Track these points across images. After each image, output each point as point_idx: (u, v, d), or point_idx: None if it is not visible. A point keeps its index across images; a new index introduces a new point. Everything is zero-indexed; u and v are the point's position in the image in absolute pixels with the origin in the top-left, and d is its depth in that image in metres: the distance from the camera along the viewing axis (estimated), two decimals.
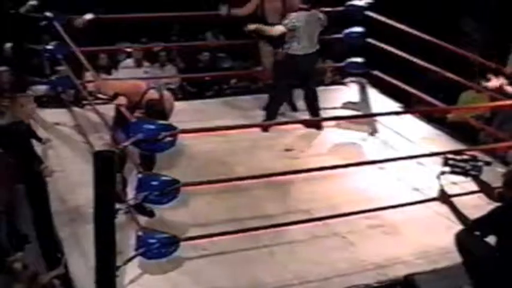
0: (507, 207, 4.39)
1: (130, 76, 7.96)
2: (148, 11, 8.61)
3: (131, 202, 4.77)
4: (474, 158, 4.70)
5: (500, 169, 5.29)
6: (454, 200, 4.60)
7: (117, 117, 5.40)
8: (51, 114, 6.87)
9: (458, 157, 4.71)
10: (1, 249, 5.04)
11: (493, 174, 4.92)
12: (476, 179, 4.67)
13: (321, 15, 6.89)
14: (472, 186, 4.80)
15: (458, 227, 4.60)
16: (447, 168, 4.67)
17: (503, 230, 4.36)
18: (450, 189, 4.92)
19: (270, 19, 6.99)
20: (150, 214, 5.22)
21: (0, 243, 5.10)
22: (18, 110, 5.70)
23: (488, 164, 4.77)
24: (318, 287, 4.71)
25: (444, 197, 4.59)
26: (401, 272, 4.85)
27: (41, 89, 7.50)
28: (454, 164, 4.67)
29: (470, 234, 4.50)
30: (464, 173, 4.66)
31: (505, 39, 7.95)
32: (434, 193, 4.71)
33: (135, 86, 5.56)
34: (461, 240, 4.54)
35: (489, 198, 4.68)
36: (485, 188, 4.70)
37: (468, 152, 4.86)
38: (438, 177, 4.62)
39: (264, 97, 7.20)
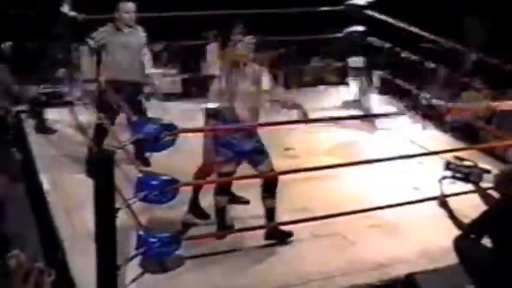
0: (498, 209, 4.39)
1: None
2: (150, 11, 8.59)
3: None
4: (475, 166, 4.75)
5: None
6: (455, 199, 4.63)
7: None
8: (52, 113, 6.88)
9: (459, 162, 4.76)
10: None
11: None
12: (477, 186, 4.71)
13: None
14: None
15: None
16: (449, 173, 4.73)
17: (497, 231, 4.36)
18: (450, 189, 4.94)
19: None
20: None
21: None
22: None
23: (487, 172, 4.80)
24: (319, 286, 4.71)
25: (443, 202, 4.61)
26: (402, 271, 4.85)
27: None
28: (456, 169, 4.73)
29: (466, 240, 4.52)
30: (465, 178, 4.72)
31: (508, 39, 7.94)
32: (435, 192, 4.70)
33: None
34: (458, 245, 4.54)
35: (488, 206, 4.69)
36: (485, 196, 4.70)
37: (468, 161, 4.89)
38: (440, 182, 4.68)
39: None
